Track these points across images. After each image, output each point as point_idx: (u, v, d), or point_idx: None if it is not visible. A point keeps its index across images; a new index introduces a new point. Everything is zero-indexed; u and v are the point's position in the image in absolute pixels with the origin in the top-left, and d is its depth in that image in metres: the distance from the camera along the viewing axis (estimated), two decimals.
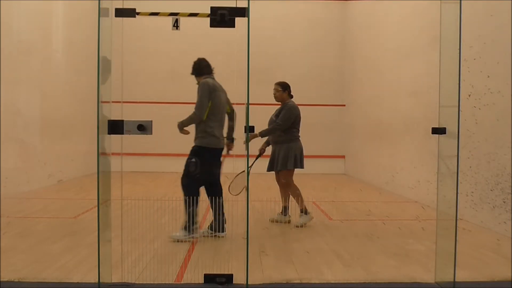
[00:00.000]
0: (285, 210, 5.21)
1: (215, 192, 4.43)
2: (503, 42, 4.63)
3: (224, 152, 4.53)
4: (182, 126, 4.33)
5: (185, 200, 4.21)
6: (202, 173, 4.25)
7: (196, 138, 4.38)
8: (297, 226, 5.00)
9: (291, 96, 5.27)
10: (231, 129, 4.64)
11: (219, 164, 4.46)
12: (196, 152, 4.33)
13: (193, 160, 4.27)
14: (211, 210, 4.49)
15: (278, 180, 5.29)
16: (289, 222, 5.16)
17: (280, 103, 5.22)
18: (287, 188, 5.17)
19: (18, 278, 3.13)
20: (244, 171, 4.95)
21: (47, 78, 8.10)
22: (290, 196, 5.18)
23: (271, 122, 5.16)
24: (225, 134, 4.56)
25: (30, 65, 7.47)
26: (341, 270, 3.48)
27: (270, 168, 5.22)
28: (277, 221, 5.19)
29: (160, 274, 3.26)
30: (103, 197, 3.12)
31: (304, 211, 5.05)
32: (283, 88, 5.18)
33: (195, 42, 10.71)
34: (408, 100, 7.28)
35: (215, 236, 4.35)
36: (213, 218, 4.39)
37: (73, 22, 9.25)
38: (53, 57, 8.56)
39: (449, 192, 3.09)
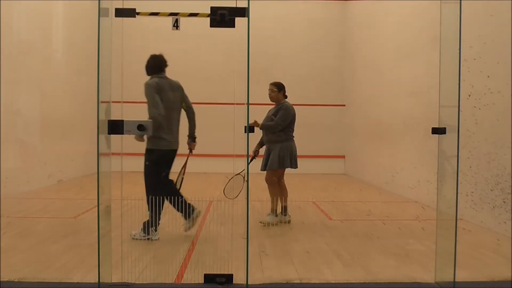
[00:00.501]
0: (284, 210, 5.21)
1: (168, 191, 4.34)
2: (503, 42, 4.63)
3: (184, 152, 4.45)
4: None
5: (148, 200, 4.15)
6: (157, 174, 4.23)
7: (147, 140, 4.27)
8: (260, 222, 5.05)
9: (286, 97, 5.25)
10: (191, 127, 4.54)
11: (169, 165, 4.35)
12: (147, 154, 4.27)
13: (147, 163, 4.27)
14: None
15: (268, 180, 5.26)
16: (289, 222, 5.16)
17: (274, 103, 5.20)
18: (269, 185, 5.16)
19: (18, 278, 3.13)
20: (238, 173, 4.94)
21: (47, 78, 8.10)
22: (284, 196, 5.22)
23: (268, 121, 5.14)
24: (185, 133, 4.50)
25: (30, 65, 7.47)
26: (341, 270, 3.48)
27: (264, 167, 5.19)
28: (281, 221, 5.17)
29: (160, 274, 3.26)
30: (103, 197, 3.12)
31: (275, 212, 5.09)
32: (279, 89, 5.17)
33: (195, 42, 10.73)
34: (408, 100, 7.28)
35: (192, 221, 4.28)
36: (178, 211, 4.29)
37: (73, 22, 9.26)
38: (53, 57, 8.56)
39: (449, 192, 3.09)
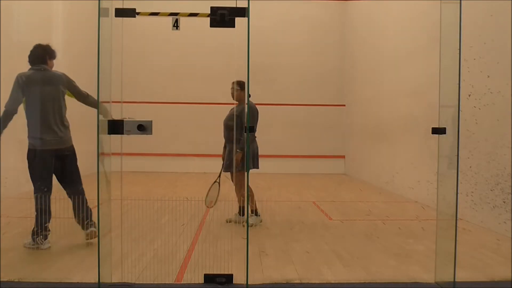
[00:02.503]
0: (242, 210, 5.06)
1: (70, 193, 4.12)
2: (503, 42, 4.63)
3: None
4: None
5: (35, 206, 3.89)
6: (37, 176, 3.88)
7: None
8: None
9: (249, 95, 5.18)
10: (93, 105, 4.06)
11: (47, 166, 3.94)
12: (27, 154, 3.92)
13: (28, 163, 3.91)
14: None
15: (233, 180, 5.16)
16: (251, 226, 4.93)
17: (237, 102, 5.10)
18: (238, 187, 5.05)
19: (18, 278, 3.13)
20: (216, 181, 4.92)
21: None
22: (243, 197, 5.07)
23: (226, 121, 5.09)
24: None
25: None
26: (341, 270, 3.48)
27: (227, 168, 5.07)
28: (235, 222, 5.03)
29: (160, 274, 3.26)
30: (103, 197, 3.12)
31: (255, 212, 5.01)
32: (241, 87, 5.05)
33: (195, 42, 10.73)
34: (408, 100, 7.28)
35: (89, 235, 4.01)
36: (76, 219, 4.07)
37: (73, 22, 9.26)
38: None
39: (449, 192, 3.09)
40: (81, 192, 4.18)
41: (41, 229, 3.85)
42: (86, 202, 4.06)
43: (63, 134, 3.98)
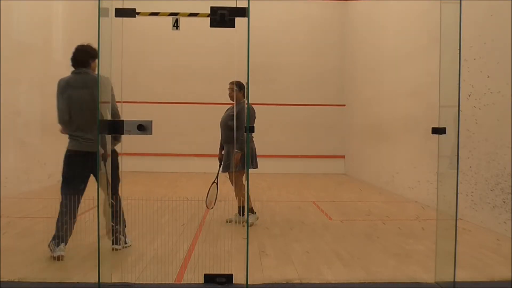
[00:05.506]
0: (242, 210, 5.06)
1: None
2: (503, 42, 4.63)
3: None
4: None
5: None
6: (73, 180, 3.86)
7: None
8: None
9: (244, 96, 5.17)
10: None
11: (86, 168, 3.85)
12: (65, 156, 3.91)
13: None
14: None
15: (232, 181, 5.16)
16: (251, 225, 4.89)
17: (233, 102, 5.07)
18: (236, 187, 5.06)
19: (18, 278, 3.13)
20: (214, 181, 4.93)
21: (47, 78, 8.10)
22: (243, 196, 5.07)
23: (224, 121, 5.11)
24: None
25: (30, 65, 7.48)
26: (341, 270, 3.48)
27: (225, 169, 5.09)
28: (235, 222, 5.03)
29: (160, 274, 3.26)
30: (103, 197, 3.12)
31: (251, 210, 5.01)
32: (239, 88, 5.06)
33: (195, 42, 10.73)
34: (408, 100, 7.28)
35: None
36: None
37: (73, 22, 9.26)
38: (53, 57, 8.56)
39: (449, 192, 3.09)
40: (118, 202, 3.95)
41: (57, 236, 3.69)
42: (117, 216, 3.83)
43: (94, 138, 3.84)
